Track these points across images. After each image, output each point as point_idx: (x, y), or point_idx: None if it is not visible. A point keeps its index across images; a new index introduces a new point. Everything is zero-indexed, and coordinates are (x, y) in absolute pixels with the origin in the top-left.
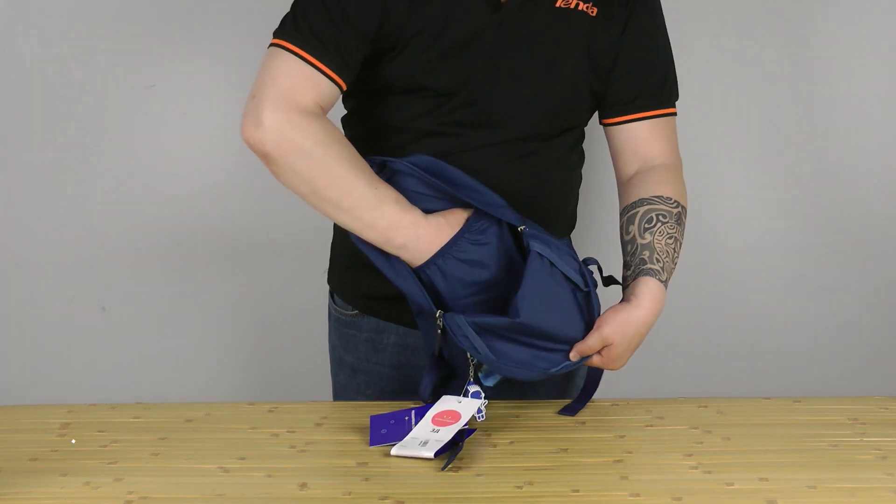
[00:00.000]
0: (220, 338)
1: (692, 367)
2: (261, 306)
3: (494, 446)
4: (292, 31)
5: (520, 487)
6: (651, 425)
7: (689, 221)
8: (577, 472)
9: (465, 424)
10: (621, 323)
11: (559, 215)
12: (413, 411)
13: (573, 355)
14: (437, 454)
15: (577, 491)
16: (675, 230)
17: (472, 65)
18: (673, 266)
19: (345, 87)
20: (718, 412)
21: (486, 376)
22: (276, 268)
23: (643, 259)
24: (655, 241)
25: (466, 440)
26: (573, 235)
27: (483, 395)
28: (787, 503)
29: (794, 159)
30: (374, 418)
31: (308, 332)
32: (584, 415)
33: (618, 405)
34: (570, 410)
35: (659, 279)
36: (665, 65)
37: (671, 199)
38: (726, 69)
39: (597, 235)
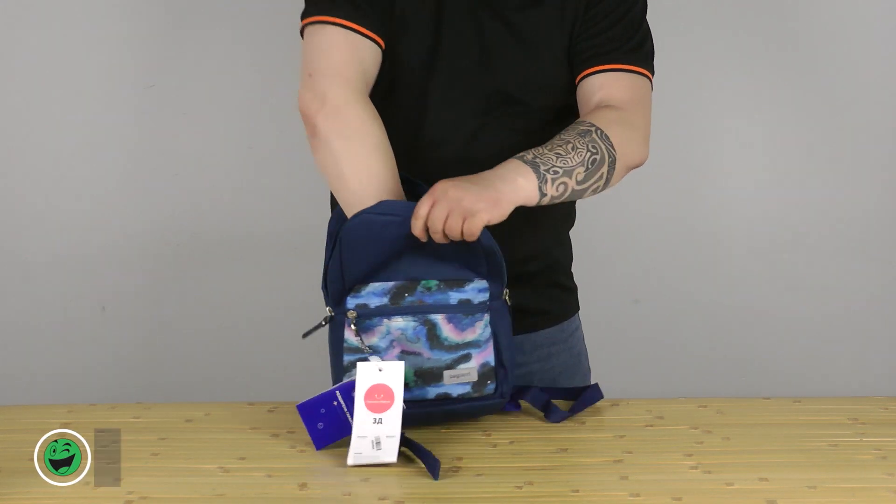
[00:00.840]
0: (220, 338)
1: (692, 367)
2: (261, 306)
3: (494, 446)
4: (325, 4)
5: (520, 487)
6: (651, 425)
7: (689, 222)
8: (577, 472)
9: (404, 406)
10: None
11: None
12: (337, 391)
13: (413, 225)
14: (404, 447)
15: (577, 491)
16: (569, 135)
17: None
18: (551, 154)
19: (383, 47)
20: (718, 412)
21: None
22: (276, 268)
23: None
24: (544, 144)
25: (463, 441)
26: (574, 231)
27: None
28: (787, 503)
29: (795, 159)
30: (302, 409)
31: None
32: (584, 415)
33: (618, 405)
34: (555, 416)
35: (515, 156)
36: (627, 32)
37: (584, 120)
38: (727, 69)
39: (598, 230)
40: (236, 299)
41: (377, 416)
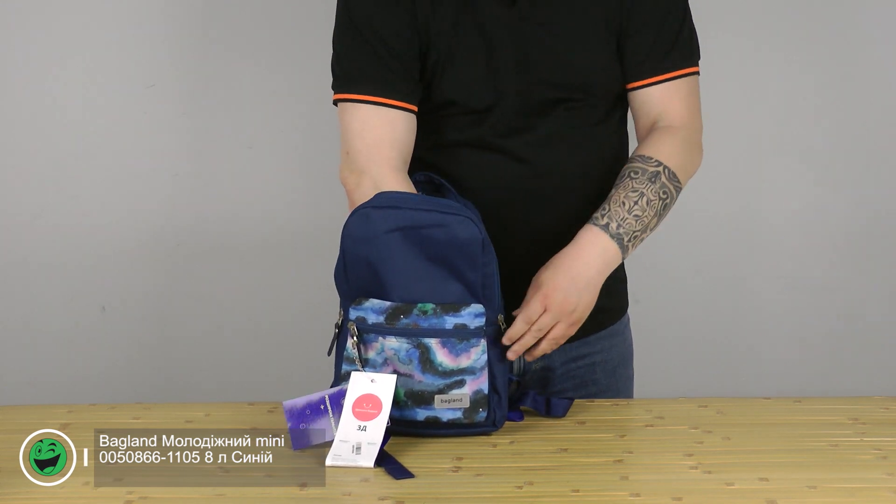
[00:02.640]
0: (221, 338)
1: (692, 367)
2: (261, 306)
3: (494, 446)
4: (347, 81)
5: (520, 487)
6: (651, 425)
7: (689, 222)
8: (577, 472)
9: (388, 421)
10: (553, 265)
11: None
12: (327, 396)
13: (508, 338)
14: (376, 463)
15: (577, 491)
16: (643, 185)
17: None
18: (630, 217)
19: (416, 110)
20: (718, 412)
21: None
22: (275, 267)
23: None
24: (614, 194)
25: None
26: None
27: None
28: (787, 503)
29: (795, 159)
30: (288, 408)
31: (308, 331)
32: (584, 415)
33: (618, 405)
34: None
35: (596, 224)
36: (674, 26)
37: (651, 158)
38: (729, 68)
39: None
40: (236, 299)
41: (362, 423)
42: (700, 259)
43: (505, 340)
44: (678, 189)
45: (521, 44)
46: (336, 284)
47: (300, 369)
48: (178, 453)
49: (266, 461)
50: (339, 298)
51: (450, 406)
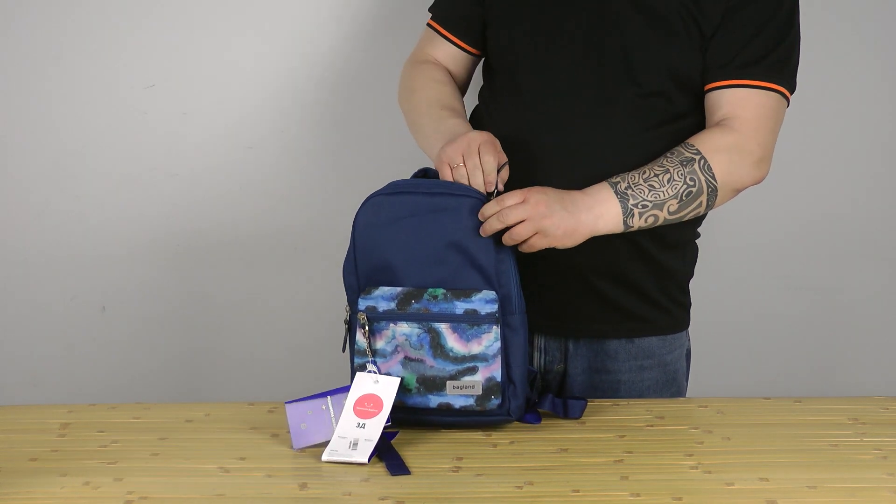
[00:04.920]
0: (221, 338)
1: (693, 367)
2: (260, 306)
3: (494, 446)
4: (433, 6)
5: (520, 487)
6: (651, 425)
7: None
8: (577, 472)
9: (388, 420)
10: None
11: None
12: (329, 397)
13: (481, 214)
14: (370, 458)
15: (577, 491)
16: (671, 164)
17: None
18: (644, 185)
19: (470, 49)
20: (718, 412)
21: None
22: (275, 267)
23: None
24: (641, 167)
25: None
26: None
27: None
28: (787, 503)
29: (795, 159)
30: (290, 407)
31: (309, 331)
32: (584, 415)
33: (618, 405)
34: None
35: (607, 180)
36: (769, 37)
37: (693, 145)
38: None
39: None
40: (236, 299)
41: (362, 421)
42: (700, 259)
43: (479, 215)
44: (712, 186)
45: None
46: (344, 279)
47: (300, 369)
48: (178, 453)
49: (266, 461)
50: (340, 297)
51: (462, 392)
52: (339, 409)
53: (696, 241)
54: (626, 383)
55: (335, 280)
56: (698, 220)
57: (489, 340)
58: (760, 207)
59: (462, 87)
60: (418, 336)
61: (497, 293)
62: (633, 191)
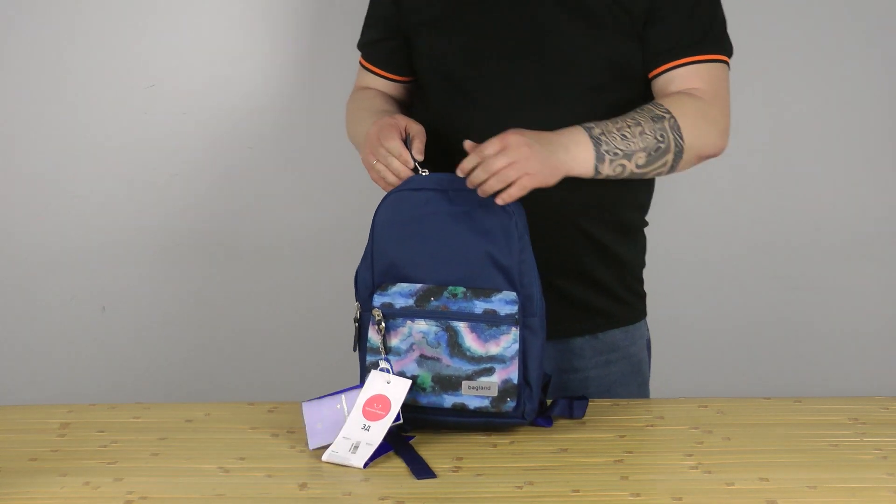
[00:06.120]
0: (221, 338)
1: (692, 367)
2: (261, 306)
3: (494, 446)
4: (359, 45)
5: (520, 487)
6: (651, 425)
7: (689, 222)
8: (577, 472)
9: (396, 419)
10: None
11: None
12: (343, 396)
13: (460, 169)
14: (366, 464)
15: (577, 491)
16: (642, 118)
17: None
18: (617, 134)
19: (399, 78)
20: (718, 412)
21: None
22: (275, 267)
23: None
24: (615, 118)
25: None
26: None
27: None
28: (787, 503)
29: (795, 159)
30: (307, 407)
31: (309, 332)
32: (584, 415)
33: (618, 405)
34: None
35: (580, 125)
36: (699, 14)
37: (662, 105)
38: (732, 67)
39: None
40: (236, 299)
41: (368, 423)
42: (700, 259)
43: (458, 171)
44: (679, 147)
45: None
46: (358, 275)
47: (301, 369)
48: (178, 453)
49: (266, 461)
50: (342, 296)
51: (477, 393)
52: (352, 407)
53: (645, 229)
54: (594, 379)
55: (336, 279)
56: (646, 207)
57: (507, 342)
58: (760, 207)
59: (406, 106)
60: (436, 334)
61: (518, 294)
62: (605, 137)
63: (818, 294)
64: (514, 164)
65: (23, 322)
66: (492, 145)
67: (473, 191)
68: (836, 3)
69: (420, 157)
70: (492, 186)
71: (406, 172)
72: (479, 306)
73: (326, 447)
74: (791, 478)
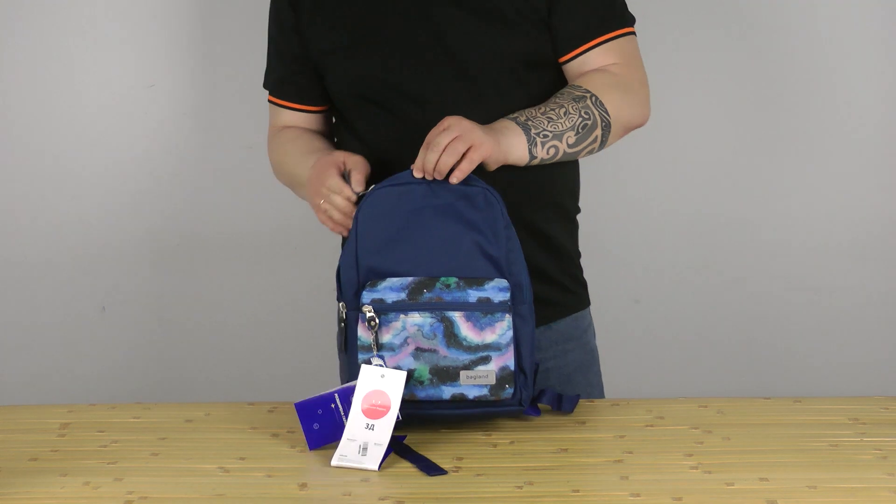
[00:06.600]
0: (221, 338)
1: (692, 367)
2: (261, 306)
3: (494, 446)
4: (265, 83)
5: (520, 487)
6: (651, 425)
7: (689, 222)
8: (577, 472)
9: (398, 417)
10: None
11: None
12: (337, 394)
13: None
14: (381, 464)
15: (577, 491)
16: (564, 100)
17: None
18: (542, 118)
19: (315, 108)
20: (718, 412)
21: None
22: (275, 267)
23: None
24: (537, 105)
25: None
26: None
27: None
28: (787, 503)
29: (794, 159)
30: (300, 408)
31: (308, 331)
32: (584, 415)
33: (618, 405)
34: (569, 404)
35: (506, 117)
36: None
37: (580, 86)
38: (726, 67)
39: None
40: (236, 299)
41: (370, 421)
42: (700, 259)
43: (414, 172)
44: (606, 121)
45: None
46: (340, 276)
47: (300, 369)
48: (178, 453)
49: (266, 461)
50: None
51: (476, 382)
52: (347, 406)
53: (577, 217)
54: (554, 370)
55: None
56: (577, 193)
57: (502, 329)
58: (760, 207)
59: (328, 136)
60: (431, 326)
61: (508, 281)
62: (532, 122)
63: (818, 294)
64: (460, 136)
65: (23, 322)
66: (434, 129)
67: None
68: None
69: (360, 189)
70: (446, 162)
71: (350, 208)
72: (473, 295)
73: (327, 448)
74: (791, 478)
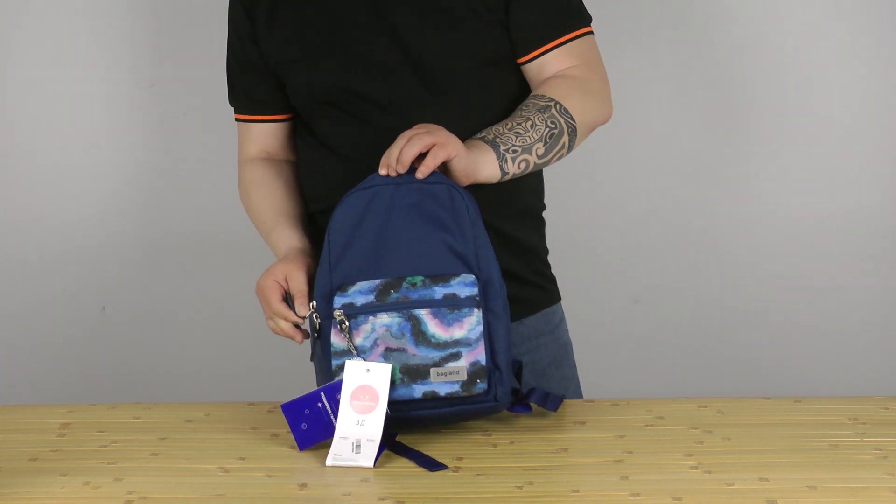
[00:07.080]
0: (221, 338)
1: (692, 367)
2: (261, 306)
3: (494, 446)
4: (230, 101)
5: (520, 487)
6: (651, 425)
7: (690, 222)
8: (577, 472)
9: (388, 410)
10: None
11: None
12: (322, 393)
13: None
14: (375, 461)
15: (577, 491)
16: (529, 112)
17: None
18: (510, 133)
19: (283, 117)
20: (718, 412)
21: None
22: None
23: None
24: (503, 121)
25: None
26: (574, 232)
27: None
28: (787, 503)
29: (794, 159)
30: (287, 409)
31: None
32: (584, 415)
33: (618, 405)
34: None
35: (474, 137)
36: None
37: (543, 95)
38: (725, 68)
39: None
40: (236, 299)
41: (361, 417)
42: (700, 259)
43: (381, 170)
44: (571, 127)
45: None
46: (316, 285)
47: (301, 369)
48: (178, 453)
49: (266, 461)
50: None
51: (446, 379)
52: (334, 403)
53: (543, 213)
54: (528, 364)
55: None
56: (541, 192)
57: (471, 324)
58: (760, 208)
59: (288, 156)
60: (399, 325)
61: (478, 278)
62: (500, 139)
63: (818, 294)
64: (427, 132)
65: (23, 322)
66: (401, 136)
67: (422, 182)
68: (832, 6)
69: (303, 313)
70: (408, 153)
71: (294, 331)
72: (439, 292)
73: (317, 447)
74: (791, 478)
